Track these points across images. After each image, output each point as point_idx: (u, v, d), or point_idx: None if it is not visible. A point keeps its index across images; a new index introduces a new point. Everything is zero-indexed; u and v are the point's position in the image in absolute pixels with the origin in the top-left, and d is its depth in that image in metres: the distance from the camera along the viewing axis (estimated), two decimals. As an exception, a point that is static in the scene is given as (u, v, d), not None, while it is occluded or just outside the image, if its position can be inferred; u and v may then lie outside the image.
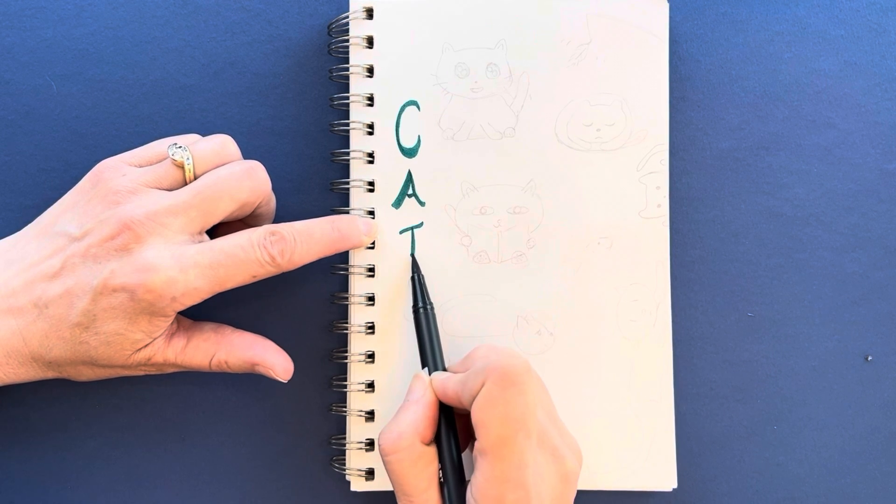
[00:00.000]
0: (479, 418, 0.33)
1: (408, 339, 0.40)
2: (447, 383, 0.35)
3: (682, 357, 0.42)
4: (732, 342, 0.42)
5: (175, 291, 0.34)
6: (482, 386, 0.33)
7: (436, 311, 0.39)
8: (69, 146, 0.42)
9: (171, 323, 0.37)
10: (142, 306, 0.34)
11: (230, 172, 0.36)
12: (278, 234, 0.36)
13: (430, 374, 0.37)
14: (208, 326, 0.39)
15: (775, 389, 0.42)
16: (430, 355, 0.38)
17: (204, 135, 0.39)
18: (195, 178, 0.36)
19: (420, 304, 0.39)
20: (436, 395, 0.36)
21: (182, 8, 0.42)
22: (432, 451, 0.35)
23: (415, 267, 0.40)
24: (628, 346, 0.40)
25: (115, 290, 0.34)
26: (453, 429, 0.36)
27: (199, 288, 0.35)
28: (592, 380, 0.40)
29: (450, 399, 0.35)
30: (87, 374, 0.37)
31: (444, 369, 0.38)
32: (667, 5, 0.41)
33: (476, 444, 0.33)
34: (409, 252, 0.40)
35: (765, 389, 0.42)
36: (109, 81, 0.42)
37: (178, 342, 0.37)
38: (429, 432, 0.35)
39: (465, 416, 0.37)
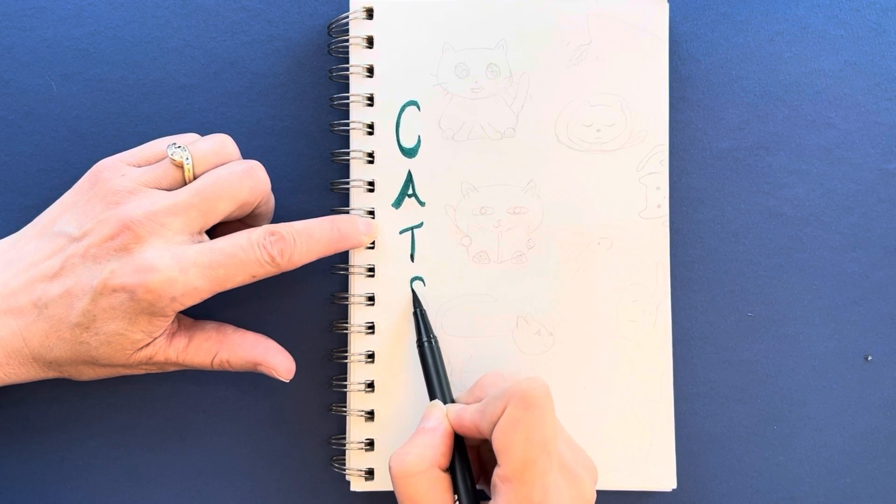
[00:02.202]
0: (502, 442, 0.32)
1: (408, 339, 0.40)
2: (463, 413, 0.35)
3: (682, 357, 0.42)
4: (732, 342, 0.42)
5: (175, 291, 0.34)
6: (503, 411, 0.32)
7: (436, 311, 0.39)
8: (69, 146, 0.42)
9: (172, 322, 0.37)
10: (142, 306, 0.34)
11: (230, 172, 0.36)
12: (278, 234, 0.36)
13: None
14: (210, 325, 0.39)
15: (775, 389, 0.42)
16: (437, 388, 0.38)
17: (204, 135, 0.39)
18: (194, 178, 0.36)
19: (424, 339, 0.39)
20: (451, 426, 0.35)
21: (182, 8, 0.42)
22: (448, 479, 0.34)
23: (416, 301, 0.40)
24: (628, 346, 0.40)
25: (114, 291, 0.34)
26: (467, 459, 0.36)
27: (198, 288, 0.35)
28: (592, 380, 0.40)
29: (466, 429, 0.35)
30: (88, 373, 0.37)
31: (453, 401, 0.37)
32: (667, 5, 0.41)
33: (497, 470, 0.32)
34: (410, 285, 0.40)
35: (765, 389, 0.42)
36: (109, 81, 0.42)
37: (180, 341, 0.37)
38: (444, 461, 0.34)
39: (475, 448, 0.37)
